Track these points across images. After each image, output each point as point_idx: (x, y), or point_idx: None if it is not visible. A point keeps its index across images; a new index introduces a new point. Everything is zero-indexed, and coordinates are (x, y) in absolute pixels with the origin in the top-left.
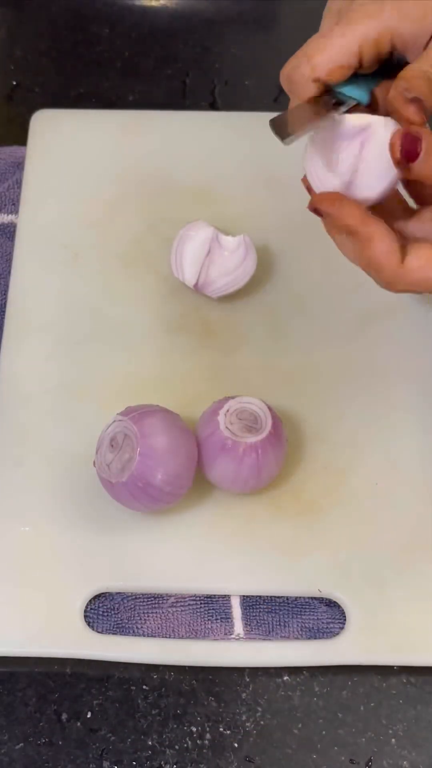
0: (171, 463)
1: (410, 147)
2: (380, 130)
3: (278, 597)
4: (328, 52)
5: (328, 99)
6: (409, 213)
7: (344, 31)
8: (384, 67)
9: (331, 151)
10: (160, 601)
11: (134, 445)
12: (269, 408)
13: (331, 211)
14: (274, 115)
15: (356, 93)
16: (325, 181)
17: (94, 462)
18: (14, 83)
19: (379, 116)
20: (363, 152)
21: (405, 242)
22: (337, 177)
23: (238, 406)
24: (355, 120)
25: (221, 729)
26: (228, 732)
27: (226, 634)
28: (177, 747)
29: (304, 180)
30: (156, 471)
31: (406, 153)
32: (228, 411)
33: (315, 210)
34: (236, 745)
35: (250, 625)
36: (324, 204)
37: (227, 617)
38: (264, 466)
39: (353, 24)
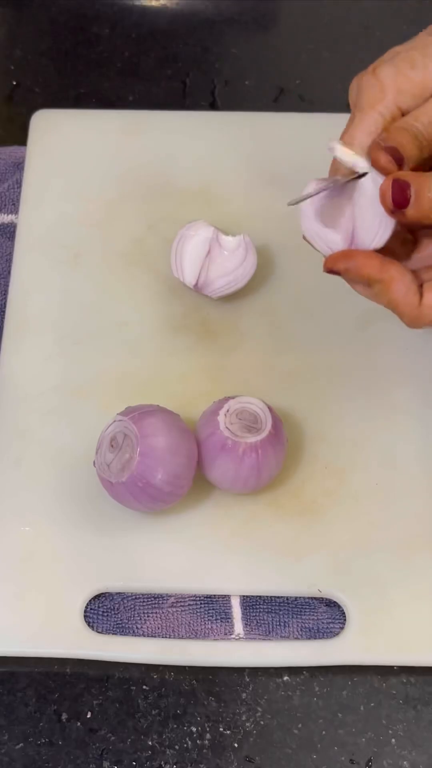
0: (171, 463)
1: (399, 195)
2: (368, 182)
3: (278, 597)
4: (358, 142)
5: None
6: (408, 247)
7: (363, 121)
8: None
9: (326, 207)
10: (160, 601)
11: (134, 445)
12: (269, 408)
13: (349, 267)
14: (274, 115)
15: None
16: (327, 239)
17: (94, 462)
18: (14, 83)
19: (364, 164)
20: (357, 203)
21: (422, 280)
22: (339, 232)
23: (238, 406)
24: (342, 176)
25: (221, 729)
26: (228, 732)
27: (226, 634)
28: (177, 747)
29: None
30: (156, 471)
31: (396, 201)
32: (228, 411)
33: (331, 271)
34: (236, 745)
35: (250, 625)
36: (339, 263)
37: (227, 617)
38: (264, 466)
39: (366, 115)
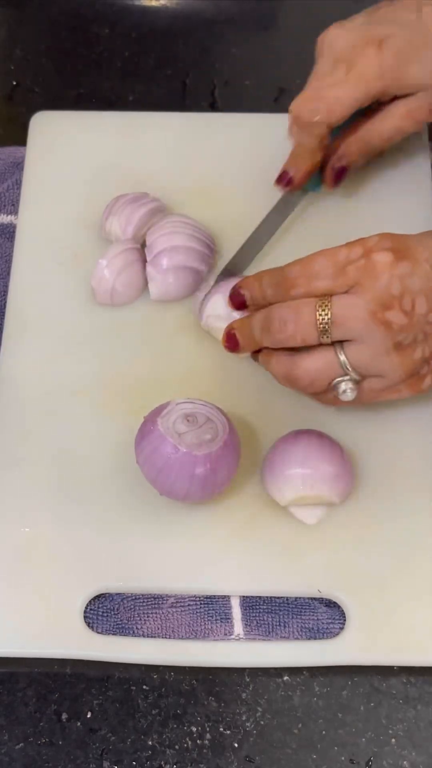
0: (233, 465)
1: (236, 299)
2: None
3: (278, 597)
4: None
5: None
6: None
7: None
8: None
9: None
10: (160, 602)
11: (219, 432)
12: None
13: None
14: (274, 115)
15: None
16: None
17: (146, 428)
18: (14, 83)
19: None
20: None
21: None
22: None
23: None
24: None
25: (221, 729)
26: (228, 732)
27: (225, 634)
28: (177, 747)
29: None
30: (223, 465)
31: (235, 303)
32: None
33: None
34: (236, 745)
35: (250, 625)
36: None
37: (227, 618)
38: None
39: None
